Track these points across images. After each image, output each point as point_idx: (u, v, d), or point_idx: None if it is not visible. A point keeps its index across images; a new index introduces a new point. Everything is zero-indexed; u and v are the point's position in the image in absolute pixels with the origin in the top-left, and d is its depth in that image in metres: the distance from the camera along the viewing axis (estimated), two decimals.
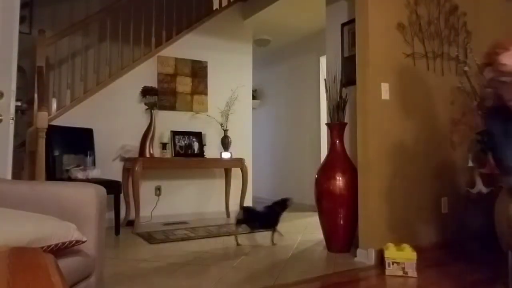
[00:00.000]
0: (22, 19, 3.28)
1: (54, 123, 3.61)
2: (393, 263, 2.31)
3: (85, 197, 1.43)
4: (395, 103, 2.74)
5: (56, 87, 3.96)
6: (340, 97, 3.03)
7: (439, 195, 2.94)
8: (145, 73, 4.27)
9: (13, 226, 1.05)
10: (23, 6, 2.79)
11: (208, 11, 4.72)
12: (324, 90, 3.17)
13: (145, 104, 4.14)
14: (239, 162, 4.31)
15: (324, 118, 4.96)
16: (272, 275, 2.33)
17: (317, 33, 5.15)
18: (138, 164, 3.72)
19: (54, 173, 3.44)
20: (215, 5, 3.55)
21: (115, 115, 4.08)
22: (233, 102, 4.68)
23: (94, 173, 3.47)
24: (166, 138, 4.31)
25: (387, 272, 2.32)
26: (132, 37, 4.16)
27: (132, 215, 3.79)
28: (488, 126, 2.03)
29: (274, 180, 6.07)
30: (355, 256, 2.66)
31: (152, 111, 4.05)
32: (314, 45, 5.30)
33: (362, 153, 2.65)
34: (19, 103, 1.98)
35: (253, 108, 5.21)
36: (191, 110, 4.54)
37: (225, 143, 4.47)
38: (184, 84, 4.52)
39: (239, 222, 3.07)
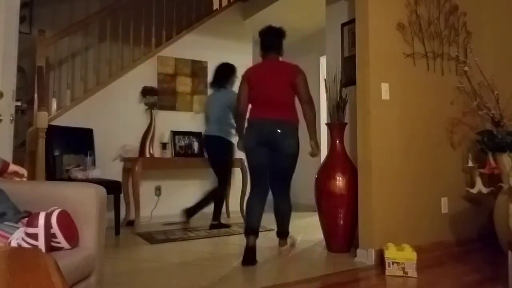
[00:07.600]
0: (22, 19, 3.28)
1: (54, 123, 3.60)
2: (393, 263, 2.31)
3: (85, 197, 1.43)
4: (395, 103, 2.74)
5: (56, 87, 3.95)
6: (340, 97, 3.03)
7: (439, 195, 2.93)
8: (145, 73, 4.27)
9: None
10: (23, 6, 2.79)
11: (208, 11, 4.72)
12: (324, 90, 3.17)
13: (145, 104, 4.13)
14: (239, 162, 4.31)
15: (324, 118, 4.95)
16: (272, 275, 2.33)
17: (317, 33, 5.15)
18: (138, 164, 3.72)
19: (54, 173, 3.44)
20: (215, 5, 3.55)
21: (115, 115, 4.07)
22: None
23: (94, 173, 3.47)
24: (166, 138, 4.30)
25: (387, 272, 2.32)
26: (132, 37, 4.15)
27: (132, 215, 3.79)
28: None
29: None
30: (355, 256, 2.65)
31: (152, 111, 4.05)
32: (314, 45, 5.30)
33: (362, 153, 2.65)
34: (19, 103, 1.98)
35: None
36: (191, 110, 4.54)
37: None
38: (184, 84, 4.52)
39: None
